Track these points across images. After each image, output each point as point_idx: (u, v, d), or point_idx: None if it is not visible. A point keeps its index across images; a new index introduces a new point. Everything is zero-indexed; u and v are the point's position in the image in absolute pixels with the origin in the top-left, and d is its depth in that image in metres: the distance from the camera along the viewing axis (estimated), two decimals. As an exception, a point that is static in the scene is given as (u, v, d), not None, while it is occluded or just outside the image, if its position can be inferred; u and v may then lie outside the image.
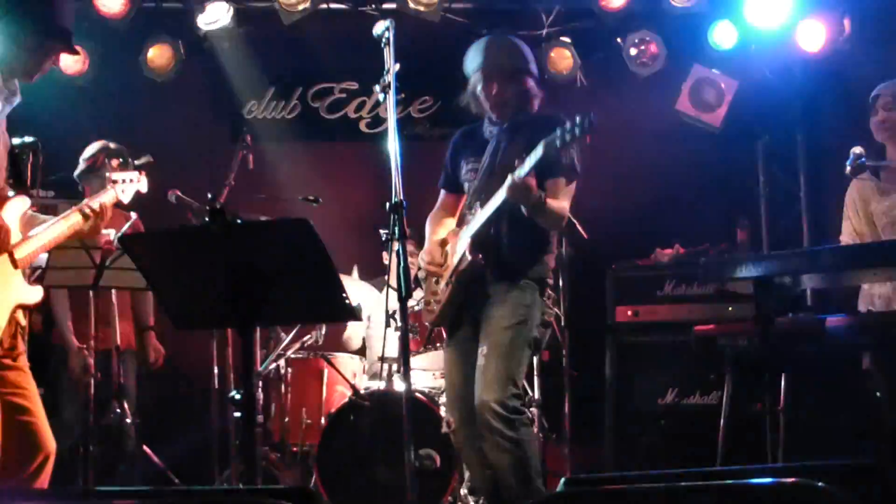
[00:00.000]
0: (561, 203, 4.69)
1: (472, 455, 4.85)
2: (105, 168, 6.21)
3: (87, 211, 4.37)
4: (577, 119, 4.23)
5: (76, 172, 6.34)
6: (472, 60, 4.89)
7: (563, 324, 6.60)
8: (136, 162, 4.97)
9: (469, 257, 4.69)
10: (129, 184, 4.80)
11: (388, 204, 3.94)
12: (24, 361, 4.18)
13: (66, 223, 4.34)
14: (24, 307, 4.17)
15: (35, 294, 4.20)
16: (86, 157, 6.31)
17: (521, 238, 4.72)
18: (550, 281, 4.88)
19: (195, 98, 7.85)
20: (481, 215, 4.69)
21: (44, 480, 4.11)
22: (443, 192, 5.18)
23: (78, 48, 4.33)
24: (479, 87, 4.88)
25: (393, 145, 4.04)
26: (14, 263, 4.08)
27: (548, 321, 4.87)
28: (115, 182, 4.75)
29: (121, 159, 4.92)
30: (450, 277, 4.81)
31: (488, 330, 4.67)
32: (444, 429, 4.86)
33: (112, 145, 6.31)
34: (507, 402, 4.53)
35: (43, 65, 4.21)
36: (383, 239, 4.12)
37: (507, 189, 4.45)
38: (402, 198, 3.93)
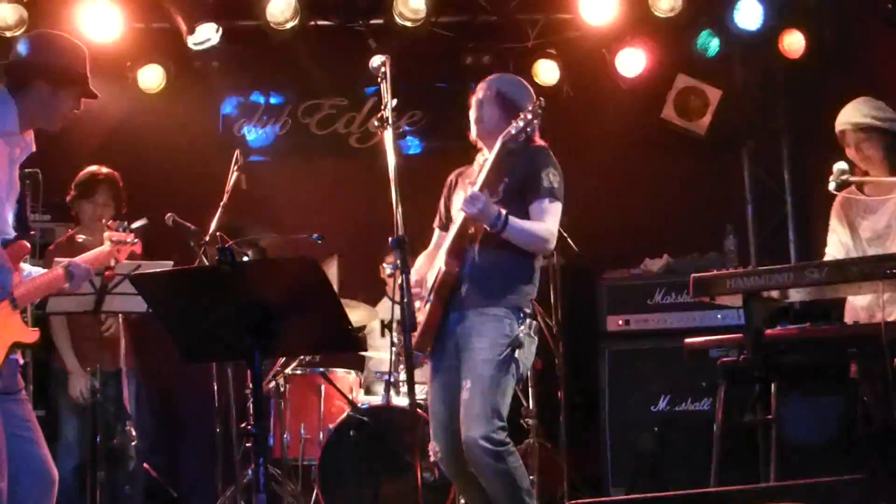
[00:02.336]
0: (540, 224, 4.74)
1: (460, 480, 4.95)
2: (97, 194, 6.30)
3: (70, 270, 4.50)
4: (529, 107, 4.46)
5: (68, 199, 6.40)
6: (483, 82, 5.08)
7: (555, 333, 6.73)
8: (133, 225, 5.12)
9: (444, 268, 4.76)
10: (124, 245, 4.96)
11: (391, 239, 4.06)
12: (24, 395, 4.27)
13: (49, 279, 4.46)
14: (21, 346, 4.28)
15: (31, 335, 4.30)
16: (77, 184, 6.36)
17: (498, 266, 4.78)
18: (528, 310, 4.86)
19: (186, 117, 7.92)
20: (452, 229, 4.79)
21: None
22: (437, 231, 5.22)
23: (95, 94, 4.41)
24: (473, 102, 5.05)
25: (393, 178, 4.14)
26: (13, 304, 4.20)
27: (524, 345, 4.90)
28: (112, 242, 4.91)
29: (118, 220, 5.10)
30: (429, 295, 4.86)
31: (470, 364, 4.70)
32: (432, 457, 4.97)
33: (103, 170, 6.38)
34: (493, 437, 4.60)
35: (62, 111, 4.28)
36: (388, 273, 4.26)
37: (462, 203, 4.58)
38: (403, 233, 4.04)
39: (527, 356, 4.84)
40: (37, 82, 4.17)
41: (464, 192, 4.89)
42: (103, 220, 6.18)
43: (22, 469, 4.12)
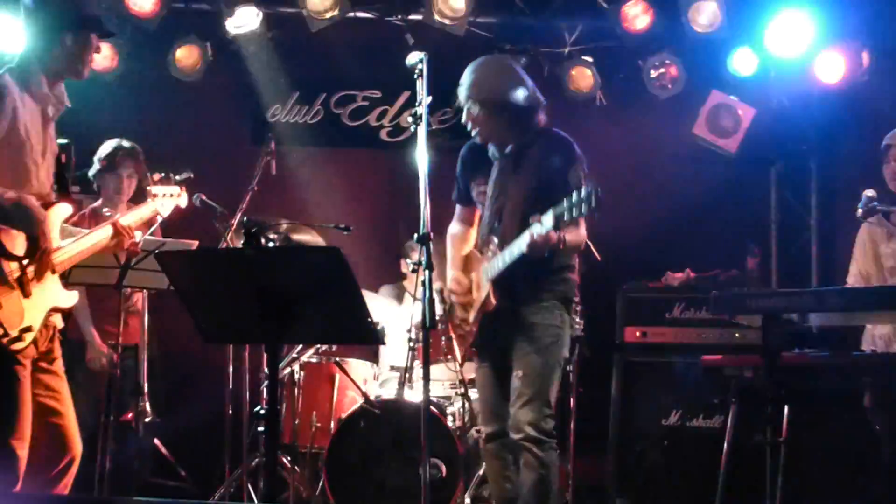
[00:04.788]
0: (579, 234, 4.80)
1: (495, 468, 5.02)
2: (121, 168, 6.31)
3: (118, 228, 4.51)
4: (585, 193, 4.25)
5: (91, 172, 6.36)
6: (460, 86, 4.99)
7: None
8: (178, 177, 5.09)
9: (493, 302, 4.84)
10: (169, 198, 4.94)
11: (415, 236, 4.08)
12: (59, 365, 4.31)
13: (95, 238, 4.47)
14: (59, 311, 4.31)
15: (70, 298, 4.34)
16: (100, 158, 6.35)
17: (542, 263, 4.79)
18: (576, 297, 5.01)
19: (220, 99, 7.96)
20: (499, 261, 4.78)
21: (68, 481, 4.25)
22: (458, 205, 5.29)
23: (112, 32, 4.43)
24: (464, 115, 5.01)
25: (423, 175, 4.16)
26: (52, 269, 4.22)
27: (574, 336, 5.01)
28: (154, 196, 4.89)
29: (162, 174, 5.06)
30: (478, 312, 4.96)
31: (522, 352, 4.80)
32: (475, 435, 5.05)
33: (126, 143, 6.36)
34: (541, 425, 4.73)
35: (87, 58, 4.31)
36: (410, 269, 4.27)
37: (527, 247, 4.54)
38: (429, 230, 4.06)
39: (573, 343, 4.91)
40: (53, 39, 4.21)
41: (483, 190, 4.93)
42: (128, 192, 6.26)
43: (45, 440, 4.16)
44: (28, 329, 4.06)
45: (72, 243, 4.35)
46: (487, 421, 5.02)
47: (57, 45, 4.23)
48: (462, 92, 4.96)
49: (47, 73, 4.24)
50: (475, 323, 4.97)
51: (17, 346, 4.01)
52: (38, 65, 4.22)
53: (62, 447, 4.24)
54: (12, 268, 4.03)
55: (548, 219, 4.43)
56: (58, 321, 4.30)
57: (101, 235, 4.49)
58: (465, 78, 4.97)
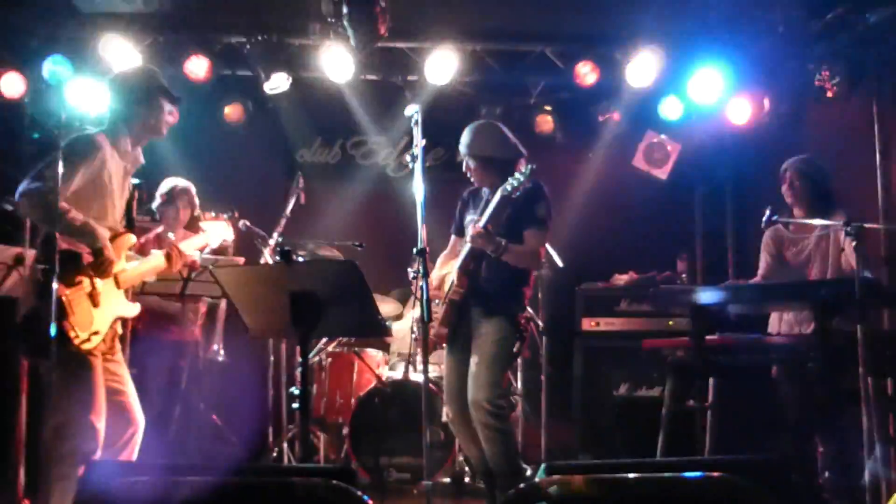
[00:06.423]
0: (529, 247, 4.81)
1: (465, 438, 5.00)
2: (177, 201, 6.24)
3: (173, 254, 4.53)
4: (522, 168, 4.45)
5: (154, 205, 6.36)
6: (461, 143, 5.04)
7: (541, 330, 6.73)
8: (225, 216, 5.09)
9: (455, 281, 4.85)
10: (218, 233, 4.94)
11: (414, 250, 4.08)
12: (120, 357, 4.31)
13: (152, 263, 4.49)
14: (123, 319, 4.32)
15: (133, 309, 4.34)
16: (161, 193, 6.27)
17: (499, 277, 4.84)
18: (523, 312, 4.94)
19: (260, 145, 7.96)
20: (462, 252, 4.89)
21: (133, 449, 4.23)
22: (453, 237, 5.26)
23: (178, 97, 4.46)
24: (464, 165, 5.07)
25: (420, 202, 4.16)
26: (117, 284, 4.23)
27: (521, 338, 4.95)
28: (205, 231, 4.88)
29: (213, 213, 5.05)
30: (444, 300, 4.94)
31: (478, 343, 4.82)
32: (444, 418, 5.02)
33: (181, 181, 6.32)
34: (494, 401, 4.70)
35: (162, 120, 4.34)
36: (411, 277, 4.29)
37: (469, 238, 4.66)
38: (426, 246, 4.06)
39: (521, 342, 4.89)
40: (134, 109, 4.27)
41: (475, 219, 4.94)
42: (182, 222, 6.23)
43: (113, 415, 4.15)
44: (96, 332, 4.07)
45: (135, 267, 4.38)
46: (452, 401, 4.94)
47: (135, 115, 4.29)
48: (462, 148, 5.00)
49: (132, 136, 4.29)
50: (441, 310, 4.92)
51: (86, 346, 4.02)
52: (124, 130, 4.27)
53: (126, 420, 4.22)
54: (84, 283, 4.03)
55: (486, 213, 4.56)
56: (119, 327, 4.29)
57: (155, 262, 4.53)
58: (464, 137, 5.01)
